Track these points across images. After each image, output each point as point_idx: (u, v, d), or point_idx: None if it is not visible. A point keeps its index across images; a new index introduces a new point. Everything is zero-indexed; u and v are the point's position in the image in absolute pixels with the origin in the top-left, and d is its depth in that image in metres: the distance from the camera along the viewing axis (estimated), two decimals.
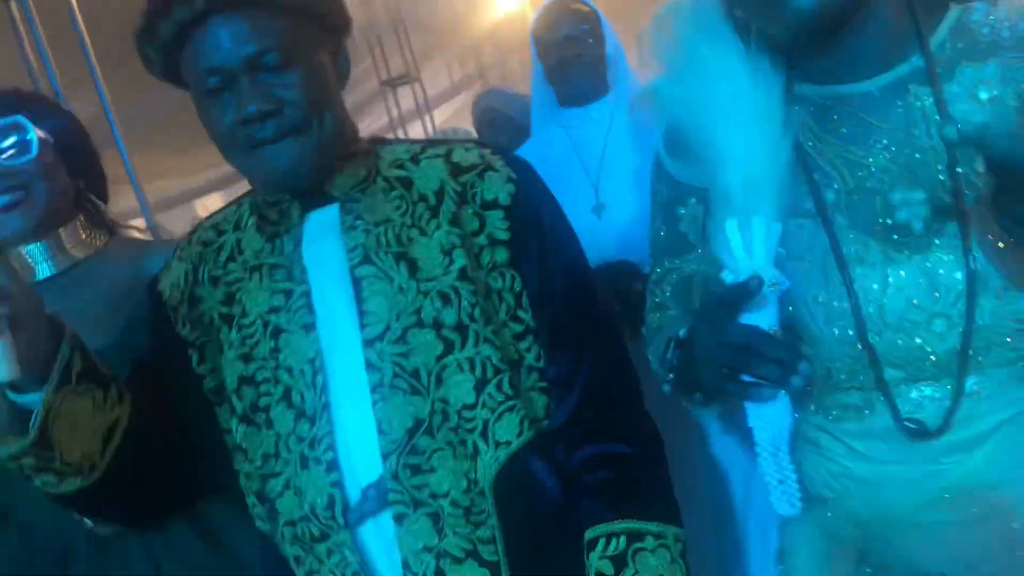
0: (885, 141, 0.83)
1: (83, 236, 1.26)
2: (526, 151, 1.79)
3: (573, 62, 1.78)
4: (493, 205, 1.01)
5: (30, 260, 1.21)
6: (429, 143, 1.09)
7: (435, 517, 0.96)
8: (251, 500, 1.02)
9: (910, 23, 0.82)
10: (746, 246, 0.78)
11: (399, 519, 0.96)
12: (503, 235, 1.00)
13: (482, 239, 1.00)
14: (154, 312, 1.06)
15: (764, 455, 0.81)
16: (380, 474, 0.96)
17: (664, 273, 1.03)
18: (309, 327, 0.99)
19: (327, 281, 1.00)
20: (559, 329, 1.01)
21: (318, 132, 0.96)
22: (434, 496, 0.95)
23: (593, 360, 1.01)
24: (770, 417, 0.78)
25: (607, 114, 1.82)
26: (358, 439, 0.97)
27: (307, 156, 0.96)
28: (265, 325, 1.00)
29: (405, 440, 0.95)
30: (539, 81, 1.87)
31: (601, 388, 1.01)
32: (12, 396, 0.85)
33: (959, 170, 0.77)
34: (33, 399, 0.85)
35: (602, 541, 0.97)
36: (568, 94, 1.83)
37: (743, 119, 0.84)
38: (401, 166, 1.05)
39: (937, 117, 0.79)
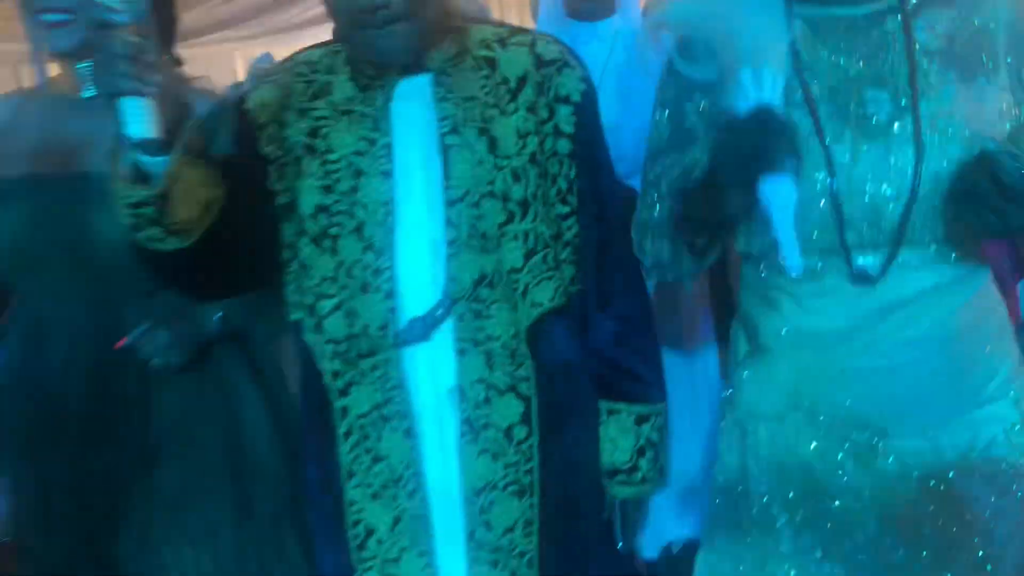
0: (863, 52, 1.05)
1: None
2: None
3: None
4: (565, 100, 1.16)
5: (80, 78, 1.31)
6: (516, 29, 1.25)
7: (488, 355, 1.16)
8: (300, 314, 1.17)
9: None
10: (756, 85, 0.95)
11: (461, 353, 1.15)
12: (568, 128, 1.17)
13: (549, 127, 1.16)
14: (240, 125, 1.16)
15: (783, 229, 0.97)
16: (428, 308, 1.14)
17: (663, 170, 1.14)
18: (387, 174, 1.14)
19: (410, 139, 1.15)
20: (598, 217, 1.21)
21: (420, 21, 1.08)
22: (489, 338, 1.16)
23: (618, 248, 1.22)
24: (784, 190, 0.95)
25: (611, 33, 1.87)
26: (415, 277, 1.14)
27: (409, 41, 1.09)
28: (349, 165, 1.14)
29: (471, 289, 1.14)
30: None
31: (621, 269, 1.24)
32: (141, 159, 1.00)
33: (916, 82, 1.03)
34: (155, 162, 1.00)
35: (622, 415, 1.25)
36: (578, 8, 1.88)
37: (753, 23, 1.03)
38: (489, 47, 1.18)
39: (904, 42, 1.04)
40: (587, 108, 1.18)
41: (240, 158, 1.14)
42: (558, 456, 1.21)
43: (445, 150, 1.14)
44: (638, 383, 1.25)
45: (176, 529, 1.44)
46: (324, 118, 1.16)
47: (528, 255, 1.16)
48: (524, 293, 1.16)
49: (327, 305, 1.15)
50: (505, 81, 1.16)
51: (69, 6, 1.27)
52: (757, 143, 0.93)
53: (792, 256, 0.98)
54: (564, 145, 1.17)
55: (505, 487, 1.18)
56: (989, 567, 1.06)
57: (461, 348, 1.16)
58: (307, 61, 1.21)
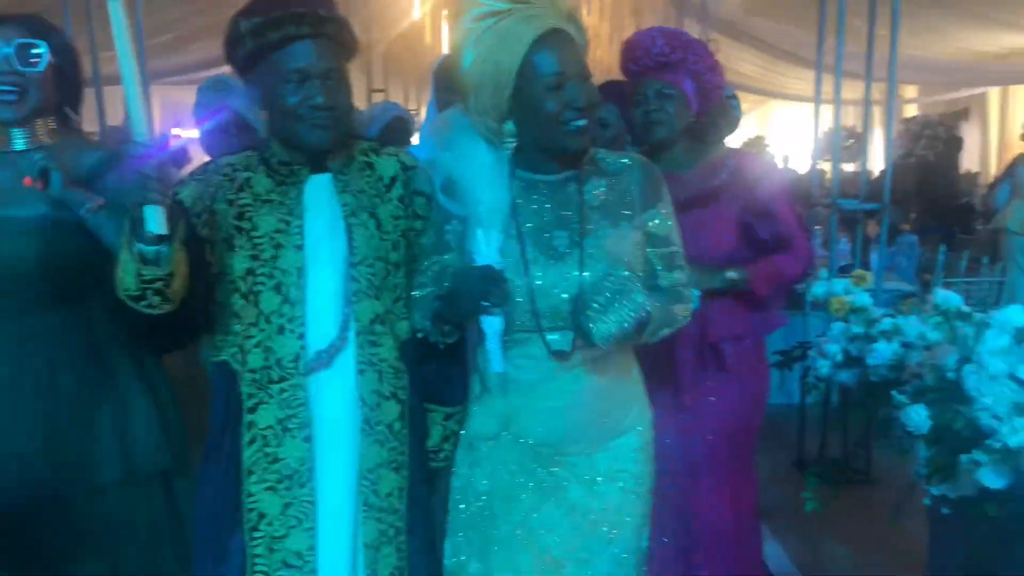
0: (554, 204, 1.56)
1: (51, 128, 1.77)
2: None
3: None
4: (420, 193, 1.65)
5: (10, 136, 1.73)
6: (381, 144, 1.70)
7: (380, 372, 1.59)
8: (235, 350, 1.56)
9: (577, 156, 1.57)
10: (486, 243, 1.46)
11: (361, 372, 1.57)
12: (423, 212, 1.65)
13: (411, 211, 1.64)
14: (179, 211, 1.47)
15: (492, 344, 1.48)
16: (329, 342, 1.55)
17: (429, 265, 1.61)
18: (299, 247, 1.55)
19: (317, 221, 1.56)
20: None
21: (342, 126, 1.53)
22: (382, 360, 1.59)
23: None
24: (495, 322, 1.47)
25: None
26: (319, 322, 1.55)
27: (333, 138, 1.54)
28: (270, 240, 1.54)
29: (369, 326, 1.57)
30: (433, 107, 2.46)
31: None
32: (144, 248, 1.34)
33: (583, 226, 1.54)
34: (161, 249, 1.35)
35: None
36: None
37: (487, 181, 1.51)
38: (367, 155, 1.65)
39: (578, 199, 1.56)
40: (431, 196, 1.64)
41: (188, 239, 1.45)
42: (417, 441, 1.65)
43: (349, 228, 1.57)
44: (444, 390, 1.69)
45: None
46: (248, 205, 1.56)
47: (395, 300, 1.62)
48: (393, 328, 1.61)
49: (250, 344, 1.53)
50: (381, 179, 1.63)
51: (20, 84, 1.67)
52: (481, 288, 1.43)
53: (496, 363, 1.51)
54: (419, 224, 1.65)
55: (388, 464, 1.60)
56: (617, 541, 1.59)
57: (361, 369, 1.57)
58: (228, 163, 1.60)
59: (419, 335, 1.61)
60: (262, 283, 1.53)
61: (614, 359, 1.58)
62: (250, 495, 1.54)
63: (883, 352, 2.23)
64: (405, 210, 1.63)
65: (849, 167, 7.02)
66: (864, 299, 2.44)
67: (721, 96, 2.21)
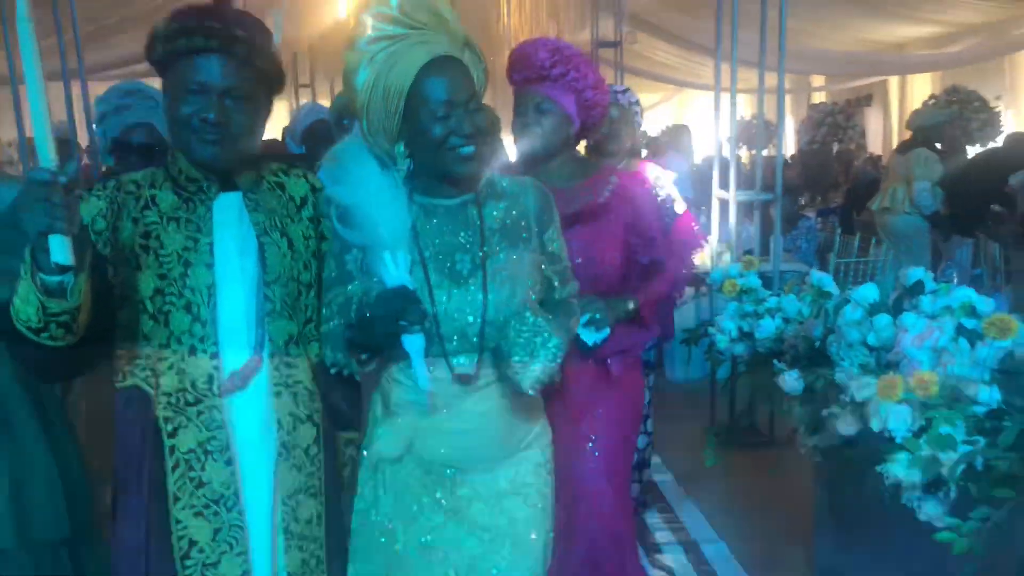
0: (455, 228, 1.57)
1: None
2: None
3: None
4: (328, 216, 1.61)
5: None
6: (290, 164, 1.71)
7: (295, 394, 1.57)
8: (147, 373, 1.51)
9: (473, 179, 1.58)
10: (395, 264, 1.48)
11: (277, 395, 1.55)
12: (331, 235, 1.61)
13: (319, 232, 1.63)
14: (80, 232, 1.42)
15: (417, 362, 1.50)
16: (243, 363, 1.51)
17: (333, 297, 1.58)
18: (209, 265, 1.51)
19: (227, 239, 1.53)
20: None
21: (237, 146, 1.50)
22: (297, 382, 1.57)
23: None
24: (417, 340, 1.48)
25: None
26: (232, 341, 1.52)
27: (224, 156, 1.50)
28: (178, 258, 1.50)
29: (283, 347, 1.55)
30: None
31: None
32: (47, 279, 1.28)
33: (484, 249, 1.56)
34: (67, 280, 1.29)
35: None
36: None
37: (386, 206, 1.50)
38: (276, 175, 1.65)
39: (478, 223, 1.57)
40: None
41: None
42: (331, 466, 1.64)
43: (261, 247, 1.55)
44: (348, 414, 1.68)
45: None
46: (154, 223, 1.52)
47: (306, 322, 1.60)
48: (307, 349, 1.59)
49: (163, 366, 1.50)
50: (292, 199, 1.63)
51: None
52: (398, 308, 1.43)
53: (423, 380, 1.52)
54: (326, 246, 1.63)
55: (306, 490, 1.58)
56: (520, 549, 1.60)
57: (277, 391, 1.54)
58: (132, 180, 1.56)
59: (332, 370, 1.59)
60: (171, 303, 1.50)
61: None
62: (178, 521, 1.51)
63: (767, 327, 2.61)
64: (315, 230, 1.63)
65: (764, 154, 7.49)
66: (753, 281, 2.82)
67: (604, 115, 2.21)
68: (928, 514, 1.81)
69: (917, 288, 2.19)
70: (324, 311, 1.59)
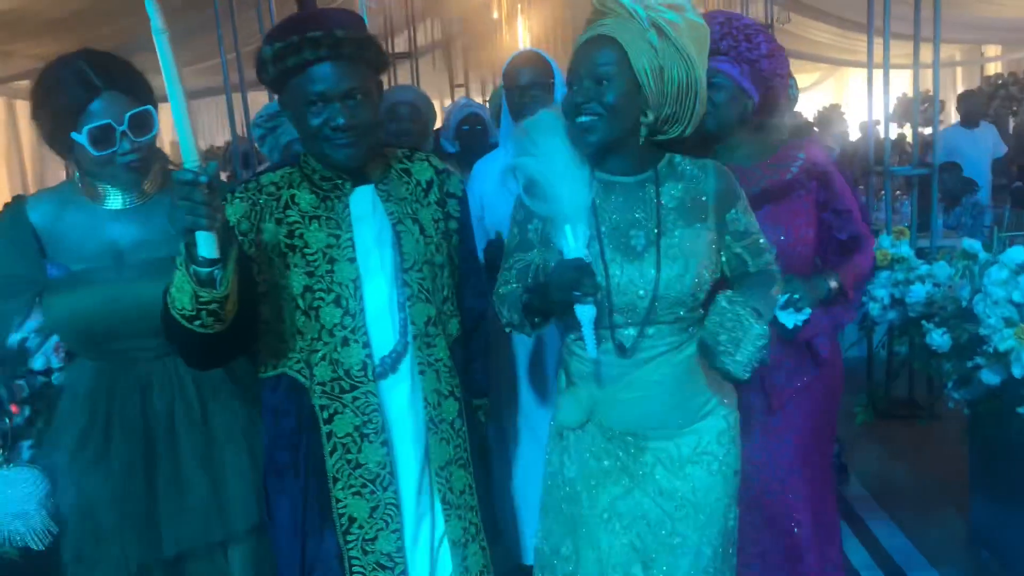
0: (631, 205, 1.64)
1: (158, 180, 1.76)
2: (498, 156, 2.49)
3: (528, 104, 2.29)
4: (453, 195, 1.75)
5: (104, 192, 1.72)
6: (412, 149, 1.79)
7: (437, 372, 1.67)
8: (300, 365, 1.61)
9: (650, 155, 1.67)
10: (574, 237, 1.55)
11: (421, 373, 1.65)
12: (456, 213, 1.75)
13: (445, 213, 1.73)
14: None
15: (587, 331, 1.56)
16: (391, 348, 1.62)
17: (513, 263, 1.71)
18: (352, 260, 1.61)
19: (365, 231, 1.63)
20: (469, 273, 1.81)
21: (368, 141, 1.60)
22: (437, 360, 1.67)
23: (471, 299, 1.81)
24: (589, 310, 1.54)
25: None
26: (378, 328, 1.62)
27: (360, 155, 1.59)
28: (323, 255, 1.60)
29: (424, 328, 1.65)
30: (506, 108, 2.46)
31: (471, 313, 1.81)
32: (199, 270, 1.39)
33: (660, 226, 1.63)
34: (206, 272, 1.39)
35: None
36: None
37: (570, 182, 1.59)
38: (402, 161, 1.73)
39: (655, 201, 1.64)
40: (464, 200, 1.78)
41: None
42: (475, 436, 1.75)
43: (397, 235, 1.65)
44: (482, 382, 1.83)
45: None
46: (297, 222, 1.61)
47: (444, 300, 1.70)
48: (445, 328, 1.70)
49: (316, 357, 1.60)
50: (419, 184, 1.71)
51: (142, 150, 1.67)
52: (574, 279, 1.49)
53: (591, 349, 1.59)
54: (453, 224, 1.74)
55: (456, 462, 1.69)
56: (702, 517, 1.66)
57: (421, 370, 1.65)
58: (271, 182, 1.64)
59: (507, 329, 1.72)
60: (321, 298, 1.58)
61: (691, 349, 1.66)
62: (338, 500, 1.61)
63: (918, 292, 2.78)
64: (442, 212, 1.72)
65: (927, 131, 7.33)
66: (905, 250, 2.99)
67: (786, 84, 2.12)
68: None
69: None
70: (504, 274, 1.72)
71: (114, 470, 1.72)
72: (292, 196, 1.62)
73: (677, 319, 1.63)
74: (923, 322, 2.61)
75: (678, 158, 1.69)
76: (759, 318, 1.54)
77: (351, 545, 1.61)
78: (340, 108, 1.52)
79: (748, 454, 1.80)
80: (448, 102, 9.11)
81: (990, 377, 2.21)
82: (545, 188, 1.59)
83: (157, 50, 1.30)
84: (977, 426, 2.58)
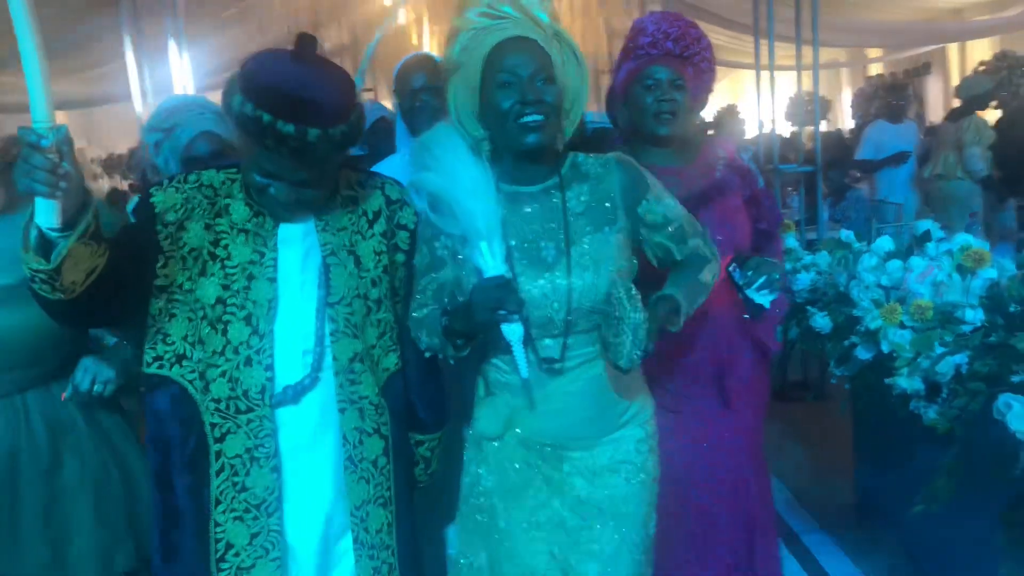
0: (538, 215, 1.61)
1: (12, 194, 1.68)
2: (394, 161, 2.37)
3: (419, 109, 2.28)
4: (404, 228, 1.68)
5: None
6: (368, 175, 1.73)
7: (361, 410, 1.62)
8: (194, 376, 1.55)
9: (554, 162, 1.64)
10: (491, 254, 1.52)
11: (342, 411, 1.59)
12: (404, 246, 1.68)
13: (391, 245, 1.67)
14: (144, 212, 1.55)
15: (517, 350, 1.53)
16: (297, 380, 1.56)
17: (427, 283, 1.65)
18: (272, 280, 1.56)
19: (291, 254, 1.59)
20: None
21: (316, 200, 1.56)
22: (362, 397, 1.62)
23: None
24: (517, 329, 1.51)
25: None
26: (287, 356, 1.56)
27: (303, 210, 1.56)
28: (243, 270, 1.55)
29: (348, 365, 1.59)
30: (399, 114, 2.42)
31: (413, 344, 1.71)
32: (46, 233, 1.33)
33: (569, 235, 1.60)
34: (56, 239, 1.33)
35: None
36: (415, 130, 2.26)
37: (478, 196, 1.55)
38: (352, 187, 1.66)
39: (561, 208, 1.61)
40: (415, 231, 1.69)
41: (133, 236, 1.51)
42: (402, 475, 1.70)
43: (326, 267, 1.58)
44: (419, 420, 1.75)
45: None
46: (225, 233, 1.56)
47: (379, 336, 1.65)
48: (377, 363, 1.65)
49: (215, 373, 1.53)
50: (365, 214, 1.65)
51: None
52: (497, 297, 1.46)
53: (522, 367, 1.55)
54: (400, 257, 1.68)
55: (375, 500, 1.63)
56: (621, 526, 1.66)
57: (342, 407, 1.59)
58: (210, 184, 1.59)
59: (427, 354, 1.66)
60: (232, 313, 1.53)
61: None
62: (217, 524, 1.55)
63: (803, 280, 3.09)
64: (387, 244, 1.66)
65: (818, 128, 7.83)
66: (791, 241, 3.31)
67: (707, 95, 2.20)
68: (929, 418, 2.29)
69: (925, 237, 2.66)
70: (418, 297, 1.66)
71: None
72: (227, 205, 1.58)
73: (594, 327, 1.61)
74: (807, 307, 2.92)
75: (580, 157, 1.69)
76: (638, 306, 1.48)
77: (224, 573, 1.56)
78: (289, 190, 1.50)
79: (712, 453, 1.91)
80: None
81: (863, 353, 2.52)
82: (452, 205, 1.57)
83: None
84: (857, 400, 2.90)
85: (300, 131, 1.39)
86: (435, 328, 1.59)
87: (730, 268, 1.99)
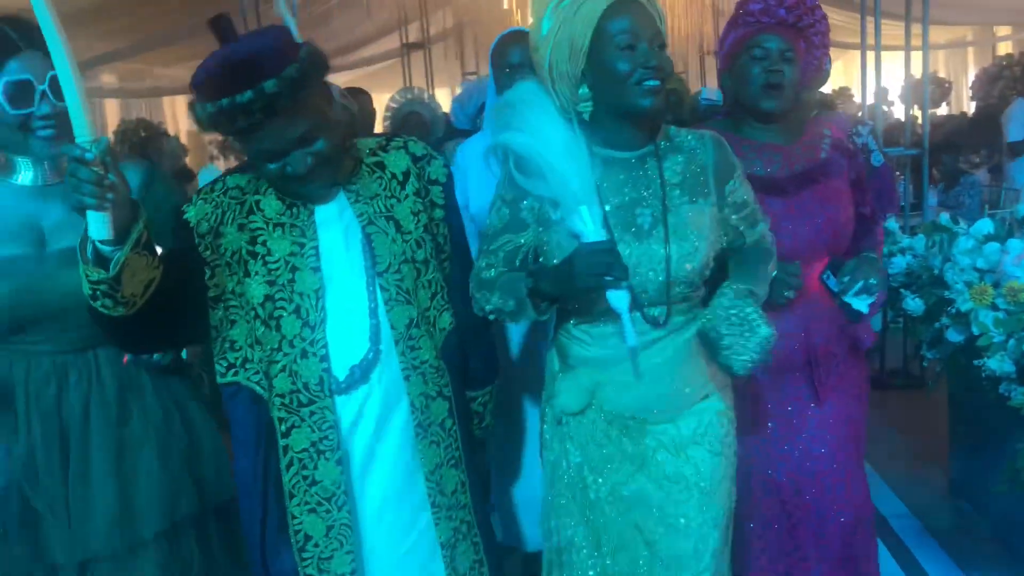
0: (634, 182, 1.60)
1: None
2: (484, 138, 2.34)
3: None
4: (435, 182, 1.67)
5: (44, 169, 1.69)
6: (388, 137, 1.73)
7: (423, 375, 1.63)
8: (259, 376, 1.59)
9: (650, 128, 1.63)
10: (592, 219, 1.51)
11: (407, 378, 1.61)
12: (440, 201, 1.68)
13: (428, 202, 1.66)
14: (182, 231, 1.57)
15: (624, 318, 1.52)
16: (361, 357, 1.58)
17: (499, 245, 1.64)
18: (316, 269, 1.57)
19: (331, 237, 1.59)
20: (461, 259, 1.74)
21: (338, 162, 1.57)
22: (423, 362, 1.63)
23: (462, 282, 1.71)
24: (623, 296, 1.51)
25: None
26: (347, 339, 1.58)
27: (328, 172, 1.54)
28: (286, 264, 1.56)
29: (405, 332, 1.61)
30: (492, 90, 2.38)
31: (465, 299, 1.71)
32: (100, 248, 1.38)
33: (666, 203, 1.60)
34: (111, 251, 1.38)
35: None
36: None
37: (570, 159, 1.53)
38: (375, 153, 1.65)
39: (658, 177, 1.60)
40: (448, 185, 1.69)
41: (179, 254, 1.54)
42: (467, 432, 1.73)
43: (367, 237, 1.58)
44: (472, 376, 1.77)
45: None
46: (260, 229, 1.56)
47: (432, 296, 1.65)
48: (433, 324, 1.66)
49: (275, 369, 1.56)
50: (394, 176, 1.64)
51: (61, 118, 1.53)
52: (603, 262, 1.46)
53: (630, 336, 1.54)
54: (439, 213, 1.67)
55: (447, 463, 1.67)
56: (705, 498, 1.65)
57: (407, 375, 1.61)
58: (235, 186, 1.59)
59: (491, 316, 1.66)
60: (283, 308, 1.55)
61: (692, 331, 1.65)
62: (294, 517, 1.60)
63: (899, 263, 3.08)
64: (423, 203, 1.65)
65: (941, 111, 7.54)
66: (891, 225, 3.29)
67: (821, 74, 2.09)
68: (1018, 400, 2.28)
69: None
70: (487, 258, 1.65)
71: (27, 464, 1.70)
72: (257, 202, 1.58)
73: (684, 299, 1.63)
74: (901, 290, 2.92)
75: (673, 130, 1.68)
76: (766, 320, 1.56)
77: (307, 563, 1.61)
78: (300, 156, 1.48)
79: (805, 447, 1.90)
80: (459, 91, 9.38)
81: (955, 336, 2.52)
82: (543, 167, 1.54)
83: (38, 16, 1.26)
84: (954, 387, 2.89)
85: (257, 91, 1.38)
86: (515, 290, 1.59)
87: (823, 277, 1.97)
